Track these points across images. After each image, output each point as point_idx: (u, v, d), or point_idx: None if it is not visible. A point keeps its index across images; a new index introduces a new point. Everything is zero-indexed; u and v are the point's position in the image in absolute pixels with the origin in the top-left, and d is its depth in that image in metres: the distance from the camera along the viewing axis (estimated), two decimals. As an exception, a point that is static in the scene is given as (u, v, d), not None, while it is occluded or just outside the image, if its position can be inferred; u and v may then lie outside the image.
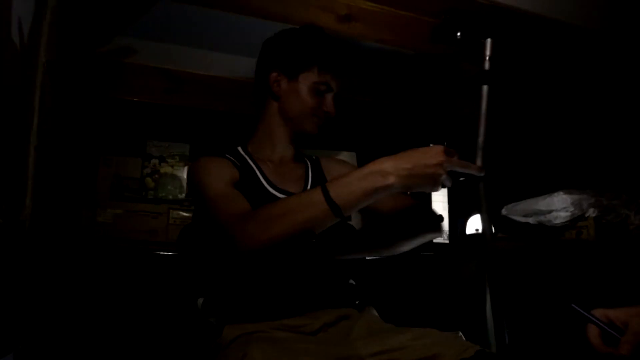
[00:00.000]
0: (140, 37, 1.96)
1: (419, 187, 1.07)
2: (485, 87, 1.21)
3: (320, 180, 1.42)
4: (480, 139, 1.19)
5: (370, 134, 2.34)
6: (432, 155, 1.05)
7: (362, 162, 2.15)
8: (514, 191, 2.24)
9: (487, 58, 1.23)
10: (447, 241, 2.23)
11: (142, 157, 2.02)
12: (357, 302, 1.35)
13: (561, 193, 2.03)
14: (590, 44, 1.89)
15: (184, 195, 2.00)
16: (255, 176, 1.36)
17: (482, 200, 1.18)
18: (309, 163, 1.49)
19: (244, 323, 1.20)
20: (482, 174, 1.12)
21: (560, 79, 2.14)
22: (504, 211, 2.23)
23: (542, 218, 2.06)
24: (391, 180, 1.05)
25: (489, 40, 1.23)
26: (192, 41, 2.02)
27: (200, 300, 1.32)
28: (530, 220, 2.12)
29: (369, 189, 1.07)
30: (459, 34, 1.31)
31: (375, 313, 1.37)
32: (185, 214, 1.95)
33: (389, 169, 1.05)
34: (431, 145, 1.07)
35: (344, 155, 2.20)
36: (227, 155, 1.38)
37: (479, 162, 1.17)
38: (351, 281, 1.40)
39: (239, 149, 1.44)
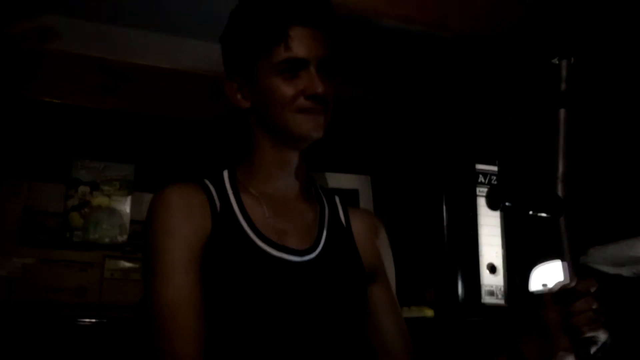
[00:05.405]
0: (66, 13, 1.86)
1: None
2: (562, 111, 1.26)
3: (338, 238, 1.29)
4: (561, 170, 1.24)
5: (388, 149, 2.24)
6: None
7: (378, 187, 2.14)
8: (597, 230, 2.06)
9: (564, 79, 1.25)
10: (503, 302, 1.99)
11: (65, 182, 1.87)
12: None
13: (671, 232, 1.85)
14: None
15: (126, 237, 1.83)
16: (237, 223, 1.21)
17: (564, 245, 1.19)
18: (325, 204, 1.34)
19: None
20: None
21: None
22: (583, 259, 2.02)
23: (642, 269, 1.89)
24: None
25: (564, 62, 1.27)
26: (141, 21, 1.92)
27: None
28: (624, 271, 1.94)
29: None
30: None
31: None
32: (128, 263, 1.79)
33: None
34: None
35: (357, 180, 2.14)
36: (206, 181, 1.25)
37: (561, 195, 1.21)
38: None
39: (225, 174, 1.31)
